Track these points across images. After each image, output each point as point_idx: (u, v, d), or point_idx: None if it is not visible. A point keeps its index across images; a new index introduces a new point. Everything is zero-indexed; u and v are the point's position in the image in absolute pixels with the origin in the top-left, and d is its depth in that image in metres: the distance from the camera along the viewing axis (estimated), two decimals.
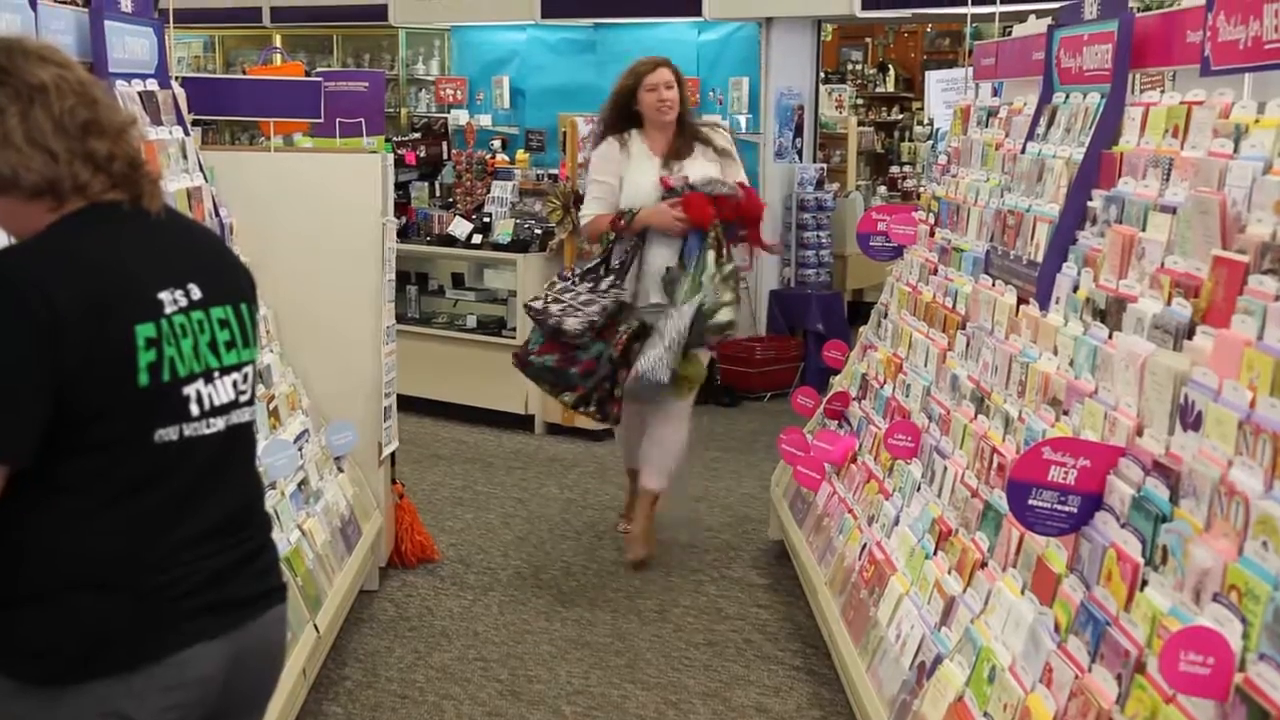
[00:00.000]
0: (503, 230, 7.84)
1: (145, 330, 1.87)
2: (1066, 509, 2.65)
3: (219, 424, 1.98)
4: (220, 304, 2.00)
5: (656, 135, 5.30)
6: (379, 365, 5.03)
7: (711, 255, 5.03)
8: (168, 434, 1.91)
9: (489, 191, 8.32)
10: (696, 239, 5.05)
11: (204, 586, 1.95)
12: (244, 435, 2.07)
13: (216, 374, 1.97)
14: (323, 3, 10.71)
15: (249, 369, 2.06)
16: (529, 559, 5.53)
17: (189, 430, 1.93)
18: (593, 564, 5.47)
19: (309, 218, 4.91)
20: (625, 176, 5.25)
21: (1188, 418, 2.38)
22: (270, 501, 3.94)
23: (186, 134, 4.38)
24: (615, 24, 9.79)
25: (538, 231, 7.71)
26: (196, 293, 1.96)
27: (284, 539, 3.93)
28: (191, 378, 1.93)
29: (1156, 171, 2.93)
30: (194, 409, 1.94)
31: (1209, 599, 2.12)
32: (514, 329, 7.68)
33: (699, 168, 5.19)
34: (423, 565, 5.40)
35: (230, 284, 2.06)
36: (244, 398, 2.04)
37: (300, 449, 4.33)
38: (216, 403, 1.97)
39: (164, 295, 1.91)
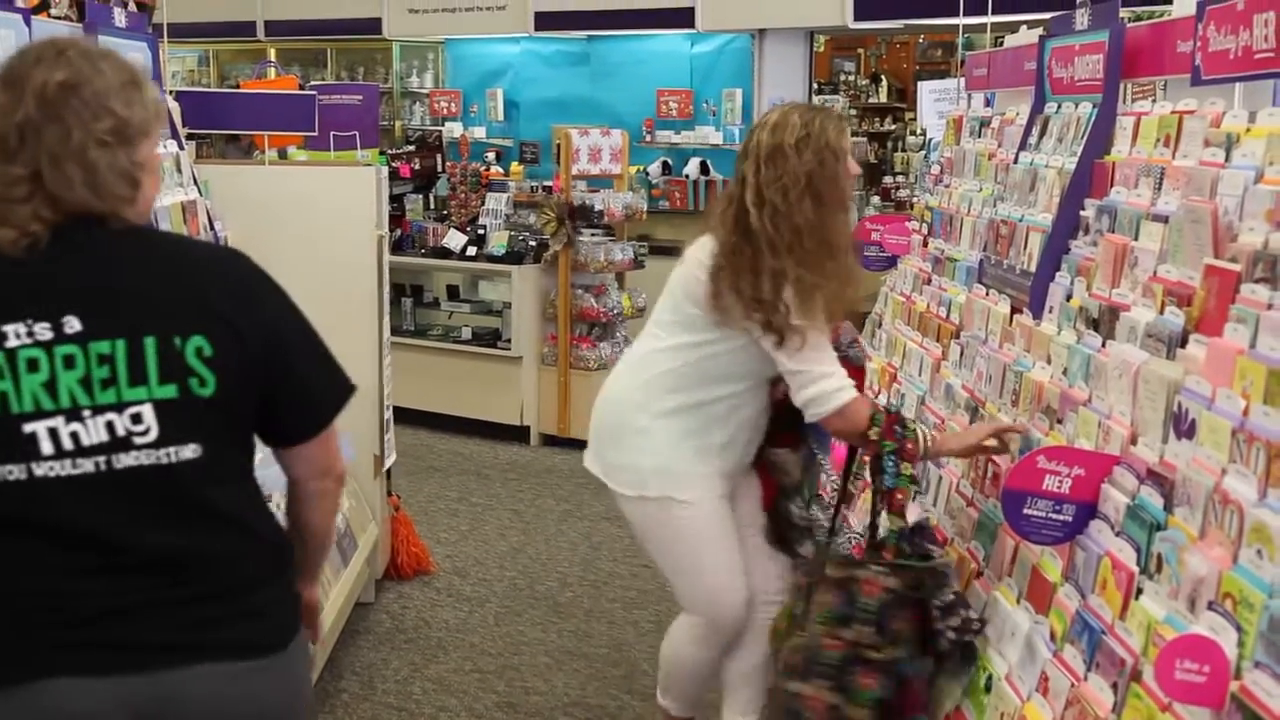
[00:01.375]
0: (497, 242, 7.85)
1: None
2: (1061, 518, 2.65)
3: (87, 465, 1.83)
4: (106, 338, 1.84)
5: None
6: (375, 378, 5.02)
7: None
8: (10, 471, 1.82)
9: (483, 203, 8.34)
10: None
11: (82, 622, 1.86)
12: (158, 479, 1.88)
13: (86, 412, 1.83)
14: (317, 16, 10.73)
15: (143, 409, 1.86)
16: (525, 570, 5.53)
17: (40, 470, 1.82)
18: (589, 575, 5.46)
19: (303, 231, 4.91)
20: None
21: (1181, 426, 2.38)
22: None
23: (181, 148, 4.39)
24: (608, 36, 9.82)
25: (532, 243, 7.72)
26: (74, 325, 1.83)
27: None
28: (39, 414, 1.81)
29: (1148, 181, 2.93)
30: (46, 447, 1.82)
31: (1204, 607, 2.11)
32: (509, 340, 7.69)
33: None
34: (419, 577, 5.40)
35: (138, 317, 1.87)
36: (140, 439, 1.86)
37: None
38: (85, 443, 1.83)
39: (10, 328, 1.81)
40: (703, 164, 9.37)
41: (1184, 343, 2.50)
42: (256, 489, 2.06)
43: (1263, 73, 2.54)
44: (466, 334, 7.95)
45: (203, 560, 1.92)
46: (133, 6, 4.38)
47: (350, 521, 4.77)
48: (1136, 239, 2.88)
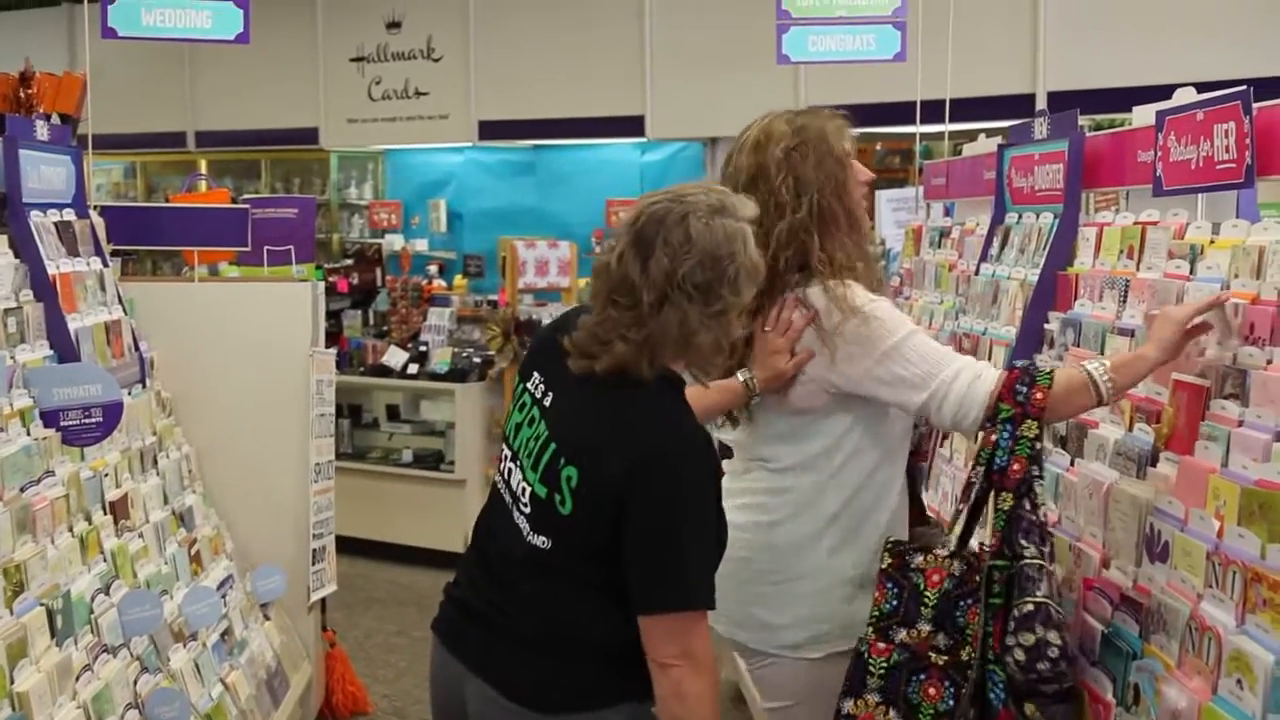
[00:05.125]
0: (440, 359, 7.84)
1: (519, 391, 2.50)
2: None
3: (508, 497, 2.44)
4: (546, 429, 2.37)
5: None
6: (307, 505, 4.97)
7: None
8: (495, 474, 2.52)
9: (425, 319, 8.35)
10: None
11: (453, 602, 2.55)
12: (517, 541, 2.39)
13: (525, 464, 2.40)
14: (251, 127, 10.80)
15: (530, 489, 2.37)
16: None
17: (500, 484, 2.48)
18: None
19: (234, 350, 4.89)
20: None
21: (1154, 548, 2.39)
22: (191, 654, 3.85)
23: (105, 265, 4.38)
24: (555, 145, 9.94)
25: (477, 360, 7.72)
26: (547, 404, 2.40)
27: (205, 694, 3.84)
28: (512, 448, 2.46)
29: (1113, 293, 2.98)
30: (507, 468, 2.46)
31: None
32: (452, 463, 7.64)
33: None
34: (355, 718, 5.29)
35: (562, 429, 2.36)
36: (524, 506, 2.38)
37: (224, 596, 4.25)
38: (515, 491, 2.42)
39: (529, 384, 2.47)
40: None
41: (1154, 461, 2.53)
42: (597, 600, 2.34)
43: (1224, 183, 2.61)
44: (408, 456, 7.89)
45: (519, 611, 2.40)
46: (56, 119, 4.40)
47: (282, 659, 4.68)
48: (1102, 353, 2.91)
